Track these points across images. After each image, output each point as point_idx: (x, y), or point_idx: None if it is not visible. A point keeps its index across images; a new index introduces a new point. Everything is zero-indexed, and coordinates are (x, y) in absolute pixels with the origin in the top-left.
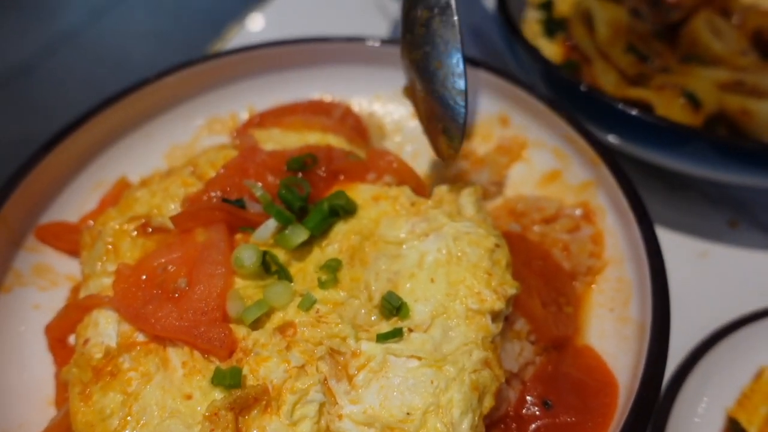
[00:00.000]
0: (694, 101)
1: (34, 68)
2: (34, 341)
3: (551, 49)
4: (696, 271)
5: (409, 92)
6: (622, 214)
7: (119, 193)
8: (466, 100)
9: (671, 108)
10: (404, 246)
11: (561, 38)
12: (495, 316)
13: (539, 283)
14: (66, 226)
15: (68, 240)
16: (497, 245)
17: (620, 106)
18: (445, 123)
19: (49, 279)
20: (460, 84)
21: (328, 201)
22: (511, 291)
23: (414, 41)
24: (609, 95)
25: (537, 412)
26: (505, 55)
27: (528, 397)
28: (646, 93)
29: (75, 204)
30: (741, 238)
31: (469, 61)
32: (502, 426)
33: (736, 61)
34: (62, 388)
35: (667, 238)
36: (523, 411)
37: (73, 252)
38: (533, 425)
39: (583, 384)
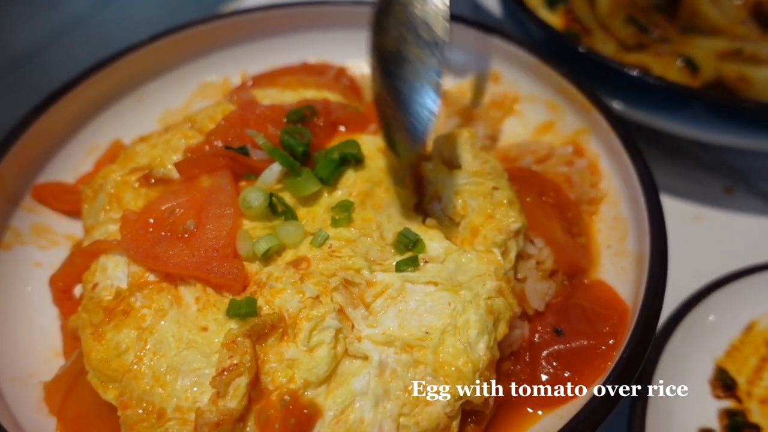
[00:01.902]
0: (691, 66)
1: (41, 54)
2: (37, 297)
3: (552, 20)
4: (690, 234)
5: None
6: (616, 156)
7: (114, 155)
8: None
9: (669, 71)
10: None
11: (561, 10)
12: (503, 251)
13: (555, 214)
14: (63, 187)
15: (66, 200)
16: (494, 188)
17: (617, 65)
18: (408, 119)
19: (49, 239)
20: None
21: (339, 149)
22: (515, 225)
23: (387, 25)
24: (607, 57)
25: (548, 339)
26: (504, 23)
27: (539, 327)
28: (643, 57)
29: (70, 166)
30: (736, 204)
31: (458, 18)
32: (512, 358)
33: (735, 30)
34: (69, 337)
35: (662, 202)
36: (535, 338)
37: (71, 212)
38: (545, 351)
39: (593, 312)
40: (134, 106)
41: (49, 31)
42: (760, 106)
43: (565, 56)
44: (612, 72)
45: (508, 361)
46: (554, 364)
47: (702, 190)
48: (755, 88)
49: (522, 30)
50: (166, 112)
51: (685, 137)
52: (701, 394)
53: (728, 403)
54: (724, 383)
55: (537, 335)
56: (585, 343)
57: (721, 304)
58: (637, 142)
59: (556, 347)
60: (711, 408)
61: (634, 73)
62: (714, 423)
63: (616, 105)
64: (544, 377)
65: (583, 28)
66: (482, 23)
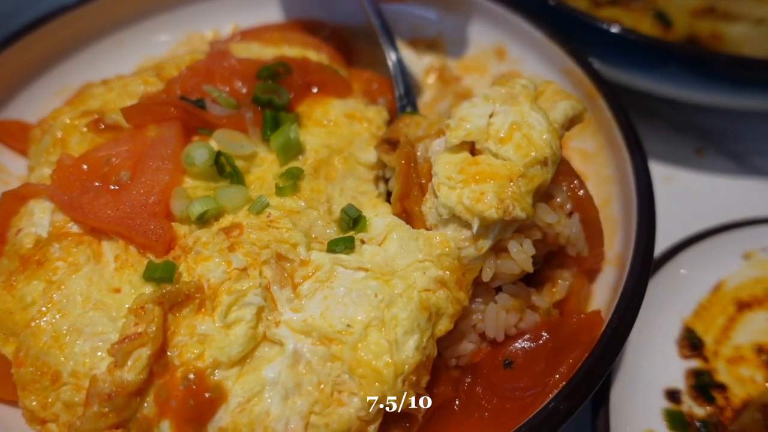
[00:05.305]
0: (664, 20)
1: (12, 20)
2: None
3: None
4: (661, 195)
5: None
6: (615, 150)
7: None
8: None
9: (641, 25)
10: (376, 171)
11: None
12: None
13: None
14: (23, 126)
15: (23, 140)
16: None
17: (588, 18)
18: None
19: (1, 179)
20: None
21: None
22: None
23: None
24: (578, 10)
25: (494, 370)
26: None
27: (492, 351)
28: (614, 11)
29: (36, 106)
30: (707, 165)
31: None
32: (459, 369)
33: None
34: None
35: None
36: (482, 361)
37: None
38: (481, 387)
39: (553, 349)
40: (114, 50)
41: None
42: (735, 59)
43: (536, 12)
44: (583, 26)
45: (454, 370)
46: (489, 399)
47: (673, 151)
48: (728, 44)
49: None
50: (145, 60)
51: (658, 94)
52: (668, 354)
53: (695, 363)
54: (691, 343)
55: (485, 359)
56: (522, 385)
57: (690, 263)
58: (641, 140)
59: (495, 381)
60: (677, 368)
61: (606, 26)
62: (680, 383)
63: None
64: (475, 411)
65: None
66: None
